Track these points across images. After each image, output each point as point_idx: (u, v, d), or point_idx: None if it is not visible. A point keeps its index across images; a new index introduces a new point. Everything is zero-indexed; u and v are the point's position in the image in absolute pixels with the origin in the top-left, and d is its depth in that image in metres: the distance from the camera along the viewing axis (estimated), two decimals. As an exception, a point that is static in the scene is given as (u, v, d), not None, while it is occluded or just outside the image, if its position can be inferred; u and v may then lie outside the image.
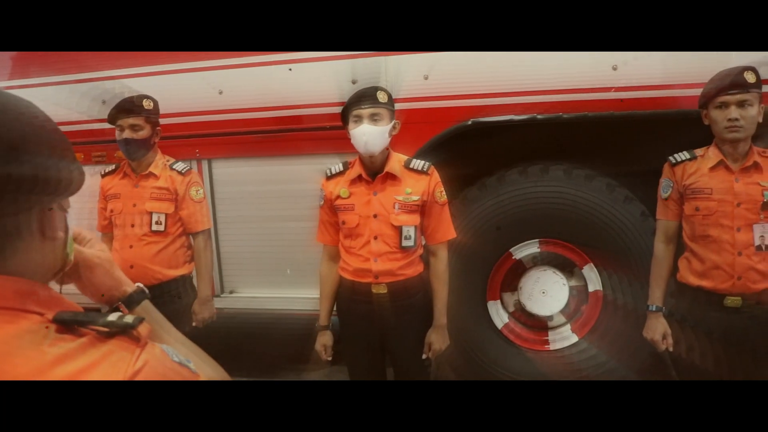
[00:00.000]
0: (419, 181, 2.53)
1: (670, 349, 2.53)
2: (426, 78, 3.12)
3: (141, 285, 1.08)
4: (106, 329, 0.77)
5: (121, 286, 1.05)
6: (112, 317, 0.78)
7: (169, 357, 0.83)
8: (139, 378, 0.74)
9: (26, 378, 0.69)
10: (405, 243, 2.50)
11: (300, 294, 3.45)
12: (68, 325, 0.77)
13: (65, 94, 3.53)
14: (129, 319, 0.79)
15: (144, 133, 2.87)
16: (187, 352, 0.99)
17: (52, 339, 0.74)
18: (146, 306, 1.06)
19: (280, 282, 3.55)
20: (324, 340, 2.70)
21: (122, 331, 0.78)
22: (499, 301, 3.41)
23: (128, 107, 2.84)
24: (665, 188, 2.54)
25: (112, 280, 1.04)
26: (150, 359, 0.78)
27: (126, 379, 0.72)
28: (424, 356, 2.62)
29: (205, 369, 0.95)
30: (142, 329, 0.80)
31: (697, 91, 2.50)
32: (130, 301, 1.04)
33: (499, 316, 3.40)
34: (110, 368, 0.73)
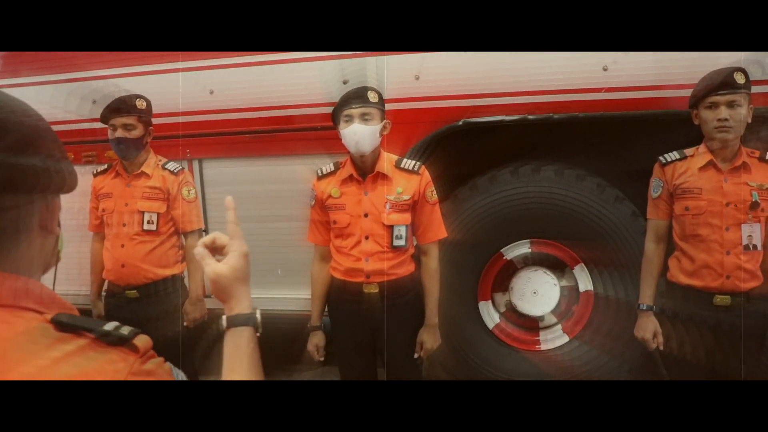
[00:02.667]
0: (410, 181, 2.54)
1: (661, 347, 2.54)
2: (417, 78, 3.12)
3: (247, 313, 1.05)
4: (103, 338, 0.77)
5: (231, 302, 1.05)
6: (109, 326, 0.79)
7: (174, 378, 0.85)
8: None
9: (26, 377, 0.70)
10: (396, 242, 2.51)
11: (291, 294, 3.44)
12: (66, 328, 0.77)
13: (56, 93, 3.51)
14: (125, 330, 0.79)
15: (137, 133, 2.86)
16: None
17: (52, 339, 0.75)
18: (241, 331, 1.03)
19: (271, 282, 3.53)
20: (316, 341, 2.70)
21: (119, 341, 0.78)
22: (490, 301, 3.41)
23: (121, 106, 2.83)
24: (655, 188, 2.56)
25: (224, 296, 1.05)
26: (155, 370, 0.80)
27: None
28: (415, 355, 2.63)
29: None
30: (139, 342, 0.80)
31: (687, 92, 2.52)
32: (229, 322, 1.04)
33: (490, 317, 3.40)
34: (116, 376, 0.74)
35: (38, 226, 0.85)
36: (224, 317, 1.05)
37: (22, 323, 0.76)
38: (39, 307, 0.80)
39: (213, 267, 1.05)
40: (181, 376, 0.88)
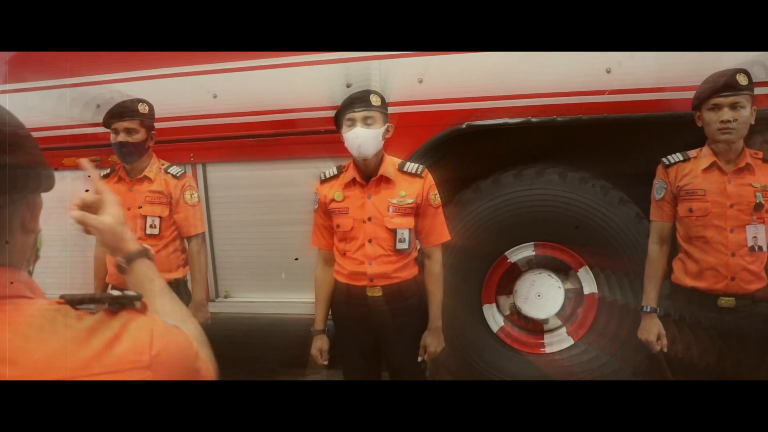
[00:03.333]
0: (413, 184, 2.53)
1: (665, 350, 2.53)
2: (420, 81, 3.12)
3: (142, 246, 1.18)
4: (114, 304, 0.85)
5: (123, 244, 1.15)
6: (115, 293, 0.87)
7: (165, 322, 0.91)
8: (156, 338, 0.83)
9: (65, 354, 0.76)
10: (399, 246, 2.51)
11: (295, 298, 3.45)
12: (78, 304, 0.83)
13: (60, 98, 3.53)
14: (130, 293, 0.88)
15: (139, 137, 2.86)
16: (173, 308, 1.11)
17: (74, 317, 0.81)
18: (142, 262, 1.16)
19: (275, 286, 3.54)
20: (320, 345, 2.69)
21: (130, 301, 0.86)
22: (494, 304, 3.40)
23: (123, 111, 2.83)
24: (659, 190, 2.55)
25: (116, 241, 1.15)
26: (156, 320, 0.89)
27: (150, 342, 0.81)
28: (419, 359, 2.62)
29: (189, 328, 1.03)
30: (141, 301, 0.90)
31: (691, 94, 2.52)
32: (128, 259, 1.15)
33: (495, 320, 3.40)
34: (136, 331, 0.82)
35: (20, 225, 0.89)
36: (121, 258, 1.16)
37: (32, 309, 0.82)
38: (34, 295, 0.86)
39: (98, 219, 1.13)
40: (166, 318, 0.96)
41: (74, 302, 0.83)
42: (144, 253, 1.17)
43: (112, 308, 0.84)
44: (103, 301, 0.85)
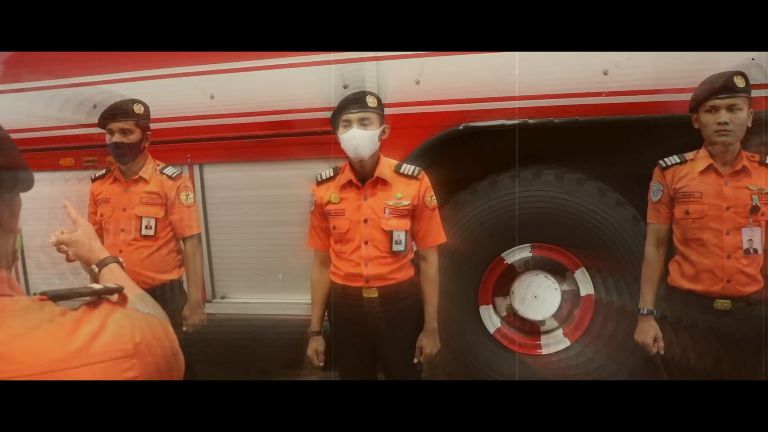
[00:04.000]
0: (410, 186, 2.53)
1: (662, 352, 2.53)
2: (417, 83, 3.12)
3: (110, 255, 1.34)
4: (95, 296, 0.89)
5: (94, 254, 1.32)
6: (97, 287, 0.92)
7: (140, 311, 0.95)
8: (137, 327, 0.86)
9: (54, 345, 0.78)
10: (395, 247, 2.50)
11: (291, 299, 3.44)
12: (60, 299, 0.86)
13: (56, 98, 3.52)
14: (111, 285, 0.94)
15: (134, 138, 2.85)
16: (143, 304, 1.14)
17: (58, 312, 0.83)
18: (111, 266, 1.31)
19: (271, 287, 3.53)
20: (316, 346, 2.69)
21: (111, 291, 0.92)
22: (491, 305, 3.40)
23: (118, 111, 2.82)
24: (656, 192, 2.55)
25: (88, 252, 1.33)
26: (134, 310, 0.93)
27: (132, 331, 0.84)
28: (415, 360, 2.61)
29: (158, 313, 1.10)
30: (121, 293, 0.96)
31: (688, 96, 2.52)
32: (100, 264, 1.30)
33: (491, 321, 3.40)
34: (118, 322, 0.85)
35: None
36: (94, 265, 1.31)
37: (16, 306, 0.83)
38: (14, 293, 0.88)
39: (69, 235, 1.33)
40: (140, 306, 1.02)
41: (56, 298, 0.86)
42: (113, 260, 1.32)
43: (93, 301, 0.87)
44: (84, 295, 0.89)
